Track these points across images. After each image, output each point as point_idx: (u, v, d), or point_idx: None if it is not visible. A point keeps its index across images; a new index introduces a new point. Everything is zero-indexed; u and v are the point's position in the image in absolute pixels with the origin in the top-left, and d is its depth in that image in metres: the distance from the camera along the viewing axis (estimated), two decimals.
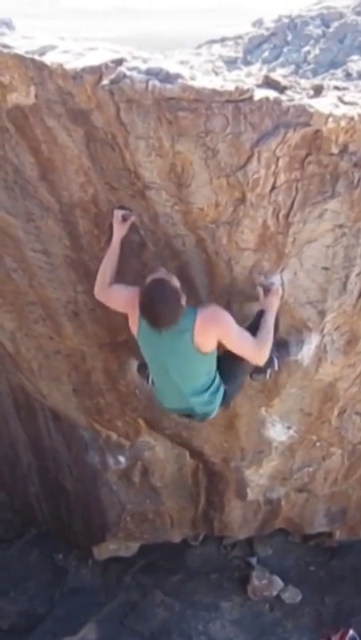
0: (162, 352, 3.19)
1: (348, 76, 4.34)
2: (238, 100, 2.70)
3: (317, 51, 4.90)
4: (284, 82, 2.89)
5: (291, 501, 5.45)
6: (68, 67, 2.82)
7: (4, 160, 3.36)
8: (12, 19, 3.72)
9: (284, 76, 3.25)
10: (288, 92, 2.84)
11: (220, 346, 3.20)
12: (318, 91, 2.96)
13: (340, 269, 3.42)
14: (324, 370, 3.92)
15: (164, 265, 3.23)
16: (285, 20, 5.34)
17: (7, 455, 6.05)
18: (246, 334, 3.15)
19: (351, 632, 5.28)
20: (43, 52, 2.95)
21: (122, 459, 5.13)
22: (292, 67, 4.85)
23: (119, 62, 2.81)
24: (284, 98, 2.78)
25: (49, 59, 2.88)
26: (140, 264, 3.46)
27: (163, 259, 3.35)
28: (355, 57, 4.61)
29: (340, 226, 3.25)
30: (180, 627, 5.63)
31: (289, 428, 4.41)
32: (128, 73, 2.75)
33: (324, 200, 3.10)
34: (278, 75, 3.09)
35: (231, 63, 5.06)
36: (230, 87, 2.69)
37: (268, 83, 2.87)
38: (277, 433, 4.43)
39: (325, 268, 3.41)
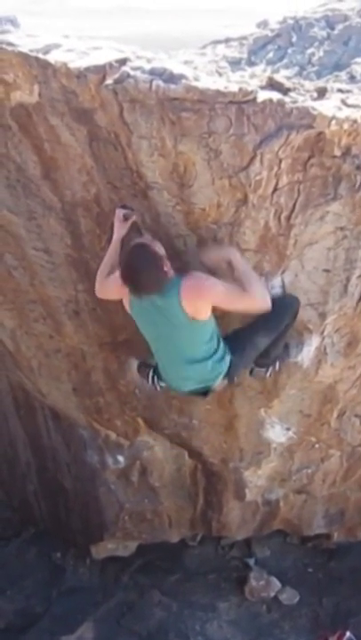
0: (158, 325, 3.15)
1: (352, 78, 4.34)
2: (242, 102, 2.71)
3: (322, 53, 4.90)
4: (287, 84, 2.90)
5: (289, 502, 5.45)
6: (72, 66, 2.82)
7: (6, 158, 3.36)
8: (16, 16, 3.73)
9: (288, 78, 3.26)
10: (292, 94, 2.85)
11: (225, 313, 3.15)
12: (322, 93, 2.97)
13: (341, 272, 3.42)
14: (324, 372, 3.92)
15: None
16: (290, 22, 5.34)
17: (6, 453, 6.06)
18: (234, 290, 3.02)
19: (348, 634, 5.27)
20: (47, 50, 2.96)
21: (121, 458, 5.13)
22: (297, 68, 4.84)
23: (123, 62, 2.82)
24: (287, 100, 2.78)
25: (53, 57, 2.89)
26: None
27: None
28: (359, 59, 4.60)
29: (342, 228, 3.25)
30: (178, 627, 5.63)
31: (288, 429, 4.41)
32: (132, 73, 2.75)
33: (326, 202, 3.10)
34: (282, 76, 3.10)
35: (235, 64, 5.05)
36: (234, 88, 2.70)
37: (272, 84, 2.87)
38: (276, 434, 4.43)
39: (326, 271, 3.41)
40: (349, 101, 2.97)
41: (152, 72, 2.77)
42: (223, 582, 6.09)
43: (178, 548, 6.16)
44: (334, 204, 3.12)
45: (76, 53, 2.94)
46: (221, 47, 5.46)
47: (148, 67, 2.80)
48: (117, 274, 3.13)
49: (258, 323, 3.34)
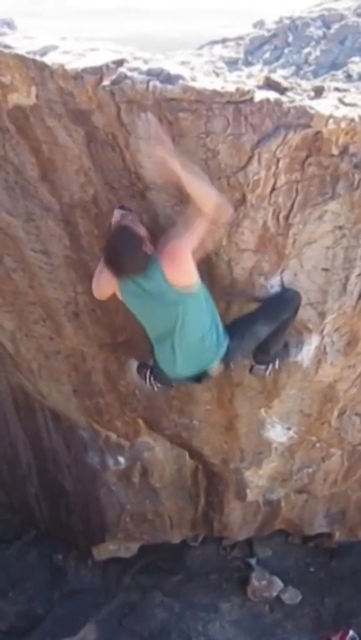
0: (149, 307, 3.13)
1: (348, 77, 4.34)
2: (239, 102, 2.71)
3: (318, 52, 4.90)
4: (284, 83, 2.90)
5: (290, 502, 5.45)
6: (69, 67, 2.82)
7: (4, 160, 3.36)
8: (13, 18, 3.73)
9: (285, 78, 3.25)
10: (289, 94, 2.85)
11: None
12: (319, 92, 2.96)
13: (340, 271, 3.42)
14: (324, 371, 3.92)
15: None
16: (286, 22, 5.34)
17: (7, 455, 6.06)
18: (194, 225, 2.85)
19: (351, 633, 5.28)
20: (44, 52, 2.96)
21: (121, 459, 5.13)
22: (293, 68, 4.84)
23: (120, 63, 2.82)
24: (284, 99, 2.78)
25: (50, 59, 2.89)
26: None
27: None
28: (355, 58, 4.60)
29: (341, 227, 3.25)
30: (180, 627, 5.63)
31: (289, 429, 4.41)
32: (129, 74, 2.76)
33: (324, 201, 3.10)
34: (279, 76, 3.09)
35: (232, 64, 5.05)
36: (231, 88, 2.70)
37: (269, 84, 2.87)
38: (277, 434, 4.43)
39: (325, 270, 3.41)
40: (346, 100, 2.97)
41: (149, 73, 2.77)
42: (225, 582, 6.09)
43: (179, 549, 6.16)
44: (332, 202, 3.12)
45: (73, 55, 2.94)
46: (218, 47, 5.46)
47: (145, 67, 2.80)
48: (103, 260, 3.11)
49: (258, 312, 3.36)
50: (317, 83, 3.51)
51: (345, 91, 3.19)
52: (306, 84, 3.06)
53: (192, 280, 3.00)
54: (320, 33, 5.09)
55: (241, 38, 5.46)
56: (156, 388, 3.80)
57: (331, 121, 2.81)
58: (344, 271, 3.43)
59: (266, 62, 5.07)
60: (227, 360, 3.34)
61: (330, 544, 6.21)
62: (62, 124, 3.02)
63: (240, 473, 4.81)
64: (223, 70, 4.03)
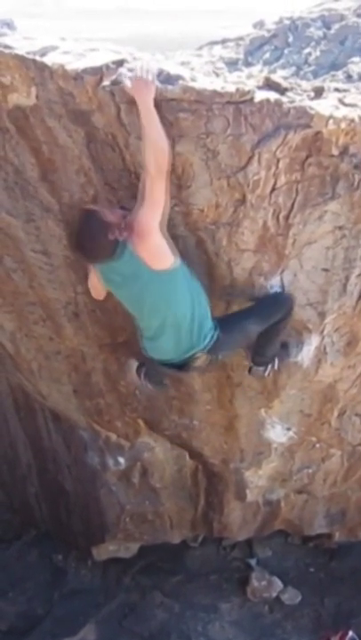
0: (129, 289, 3.08)
1: (348, 77, 4.34)
2: (239, 102, 2.71)
3: (318, 52, 4.90)
4: (284, 83, 2.90)
5: (290, 503, 5.45)
6: (69, 67, 2.82)
7: (4, 160, 3.36)
8: (13, 19, 3.73)
9: (285, 78, 3.26)
10: (289, 94, 2.85)
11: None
12: (319, 92, 2.97)
13: (340, 271, 3.42)
14: (324, 371, 3.92)
15: None
16: (286, 22, 5.34)
17: (7, 455, 6.06)
18: (152, 193, 2.76)
19: (351, 633, 5.28)
20: (44, 52, 2.95)
21: (121, 459, 5.13)
22: (293, 68, 4.85)
23: (120, 63, 2.81)
24: (284, 99, 2.78)
25: (50, 59, 2.88)
26: None
27: None
28: (355, 59, 4.60)
29: (341, 227, 3.25)
30: (180, 628, 5.63)
31: (289, 429, 4.41)
32: (129, 74, 2.75)
33: (324, 202, 3.11)
34: (279, 76, 3.09)
35: (232, 64, 5.06)
36: (231, 89, 2.70)
37: (269, 84, 2.87)
38: (277, 434, 4.43)
39: (325, 270, 3.41)
40: (347, 101, 2.97)
41: None
42: (225, 583, 6.09)
43: (179, 549, 6.16)
44: (333, 203, 3.12)
45: (72, 55, 2.93)
46: (218, 48, 5.47)
47: None
48: None
49: (250, 310, 3.36)
50: (317, 83, 3.51)
51: (345, 91, 3.19)
52: (306, 85, 3.06)
53: (167, 257, 2.92)
54: (320, 33, 5.09)
55: (241, 39, 5.46)
56: (149, 386, 3.79)
57: (331, 121, 2.81)
58: (344, 271, 3.43)
59: (266, 63, 5.07)
60: (214, 352, 3.26)
61: (330, 544, 6.21)
62: (62, 124, 3.02)
63: (240, 473, 4.81)
64: (223, 71, 4.04)
